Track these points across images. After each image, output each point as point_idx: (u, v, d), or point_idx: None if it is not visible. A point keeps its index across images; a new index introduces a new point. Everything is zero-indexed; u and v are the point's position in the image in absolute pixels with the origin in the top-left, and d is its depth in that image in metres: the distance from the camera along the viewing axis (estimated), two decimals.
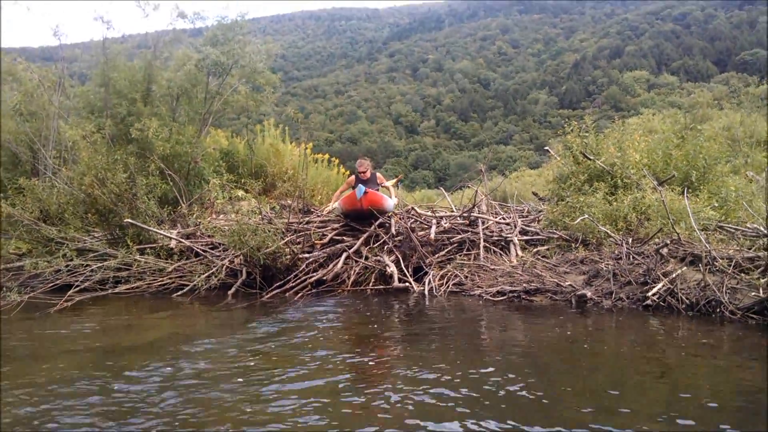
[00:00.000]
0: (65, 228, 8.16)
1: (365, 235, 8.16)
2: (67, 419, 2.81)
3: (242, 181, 11.00)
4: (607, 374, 3.71)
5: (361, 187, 7.92)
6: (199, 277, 7.26)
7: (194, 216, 8.99)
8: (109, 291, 7.25)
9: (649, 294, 5.64)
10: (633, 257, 6.40)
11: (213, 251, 8.05)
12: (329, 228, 8.60)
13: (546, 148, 11.43)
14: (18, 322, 5.68)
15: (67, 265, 7.44)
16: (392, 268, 7.37)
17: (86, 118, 11.24)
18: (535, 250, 7.78)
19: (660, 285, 5.68)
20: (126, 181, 8.29)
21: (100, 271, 7.44)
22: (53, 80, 11.82)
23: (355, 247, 7.94)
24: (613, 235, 7.17)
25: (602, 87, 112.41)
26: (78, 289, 6.99)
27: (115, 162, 8.47)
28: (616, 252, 6.70)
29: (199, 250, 8.07)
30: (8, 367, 3.94)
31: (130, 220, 7.99)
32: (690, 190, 8.06)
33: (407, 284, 7.26)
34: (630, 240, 6.87)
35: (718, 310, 5.30)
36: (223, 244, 7.96)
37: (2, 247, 8.59)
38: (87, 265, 7.53)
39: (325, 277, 7.48)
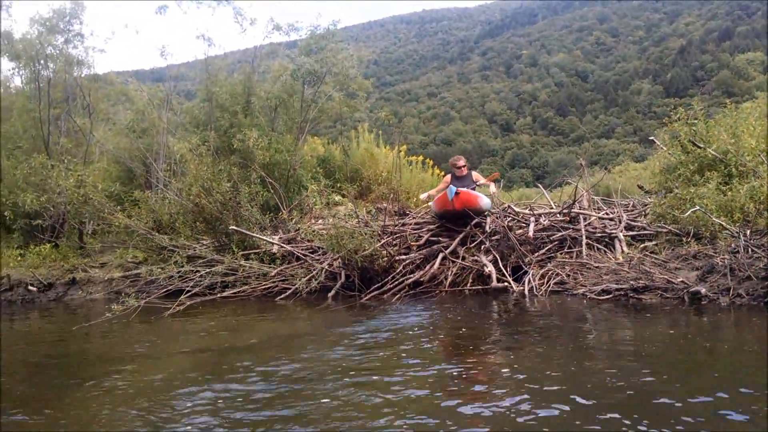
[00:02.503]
0: (176, 236, 8.66)
1: (461, 236, 8.06)
2: (180, 416, 2.95)
3: (339, 185, 11.23)
4: (727, 372, 3.44)
5: (452, 188, 7.78)
6: (300, 280, 7.47)
7: (294, 221, 9.27)
8: (218, 295, 7.61)
9: None
10: (752, 250, 5.93)
11: (313, 255, 8.25)
12: (425, 229, 8.57)
13: (651, 138, 10.83)
14: (136, 325, 6.09)
15: (178, 272, 7.91)
16: (490, 268, 7.23)
17: (192, 132, 11.88)
18: (642, 245, 7.38)
19: None
20: (230, 190, 8.70)
21: (209, 277, 7.84)
22: (161, 98, 12.60)
23: (451, 248, 7.87)
24: (728, 227, 6.67)
25: (711, 72, 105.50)
26: (189, 294, 7.40)
27: (220, 172, 8.92)
28: (732, 245, 6.23)
29: (299, 254, 8.30)
30: (127, 367, 4.22)
31: (234, 227, 8.37)
32: None
33: (506, 284, 7.09)
34: (748, 232, 6.37)
35: None
36: (322, 248, 8.14)
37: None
38: (197, 271, 7.94)
39: (422, 279, 7.47)
